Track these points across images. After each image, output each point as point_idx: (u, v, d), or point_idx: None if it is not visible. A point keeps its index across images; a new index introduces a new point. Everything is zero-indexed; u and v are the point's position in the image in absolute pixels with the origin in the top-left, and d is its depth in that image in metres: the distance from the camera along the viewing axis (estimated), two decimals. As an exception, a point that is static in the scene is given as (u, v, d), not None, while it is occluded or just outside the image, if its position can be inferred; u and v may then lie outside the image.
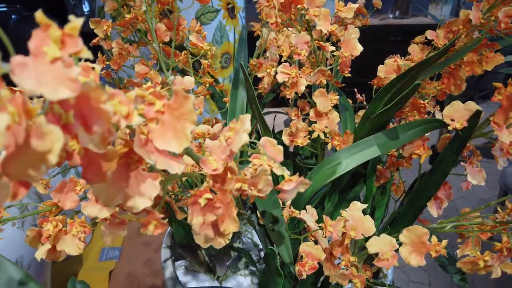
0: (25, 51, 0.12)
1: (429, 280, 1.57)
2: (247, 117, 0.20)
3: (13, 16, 1.16)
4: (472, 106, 0.34)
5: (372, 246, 0.27)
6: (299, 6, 0.35)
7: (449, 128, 0.34)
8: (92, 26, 0.38)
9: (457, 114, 0.35)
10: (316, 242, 0.33)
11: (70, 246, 0.25)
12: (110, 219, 0.28)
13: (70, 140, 0.14)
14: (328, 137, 0.40)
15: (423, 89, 0.44)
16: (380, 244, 0.26)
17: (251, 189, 0.22)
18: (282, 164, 0.24)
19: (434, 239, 0.29)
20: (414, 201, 0.42)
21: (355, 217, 0.29)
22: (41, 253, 0.25)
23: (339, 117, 0.40)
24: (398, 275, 1.59)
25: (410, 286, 1.55)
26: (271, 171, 0.22)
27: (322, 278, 0.41)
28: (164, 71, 0.41)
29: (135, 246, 0.81)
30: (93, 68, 0.15)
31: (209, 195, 0.21)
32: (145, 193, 0.17)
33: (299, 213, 0.32)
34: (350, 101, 0.46)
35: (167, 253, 0.52)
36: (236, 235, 0.55)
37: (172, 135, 0.17)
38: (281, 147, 0.25)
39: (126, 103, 0.14)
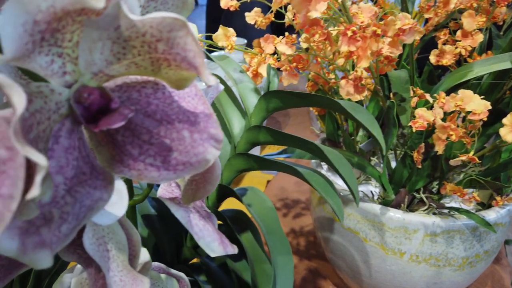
0: None
1: None
2: None
3: None
4: None
5: (469, 105, 0.35)
6: None
7: None
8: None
9: None
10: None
11: (263, 70, 0.41)
12: (288, 70, 0.44)
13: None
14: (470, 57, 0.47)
15: None
16: (475, 105, 0.35)
17: (382, 37, 0.34)
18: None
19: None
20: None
21: (466, 94, 0.37)
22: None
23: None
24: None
25: None
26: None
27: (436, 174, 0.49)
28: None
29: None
30: None
31: (354, 28, 0.33)
32: (318, 9, 0.31)
33: (423, 92, 0.41)
34: None
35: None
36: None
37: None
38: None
39: None
